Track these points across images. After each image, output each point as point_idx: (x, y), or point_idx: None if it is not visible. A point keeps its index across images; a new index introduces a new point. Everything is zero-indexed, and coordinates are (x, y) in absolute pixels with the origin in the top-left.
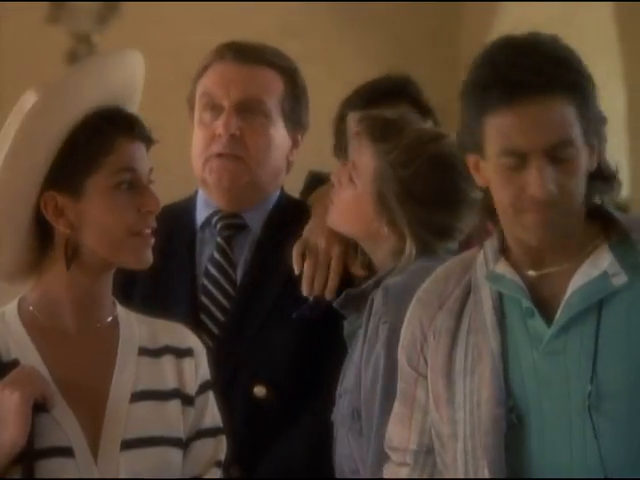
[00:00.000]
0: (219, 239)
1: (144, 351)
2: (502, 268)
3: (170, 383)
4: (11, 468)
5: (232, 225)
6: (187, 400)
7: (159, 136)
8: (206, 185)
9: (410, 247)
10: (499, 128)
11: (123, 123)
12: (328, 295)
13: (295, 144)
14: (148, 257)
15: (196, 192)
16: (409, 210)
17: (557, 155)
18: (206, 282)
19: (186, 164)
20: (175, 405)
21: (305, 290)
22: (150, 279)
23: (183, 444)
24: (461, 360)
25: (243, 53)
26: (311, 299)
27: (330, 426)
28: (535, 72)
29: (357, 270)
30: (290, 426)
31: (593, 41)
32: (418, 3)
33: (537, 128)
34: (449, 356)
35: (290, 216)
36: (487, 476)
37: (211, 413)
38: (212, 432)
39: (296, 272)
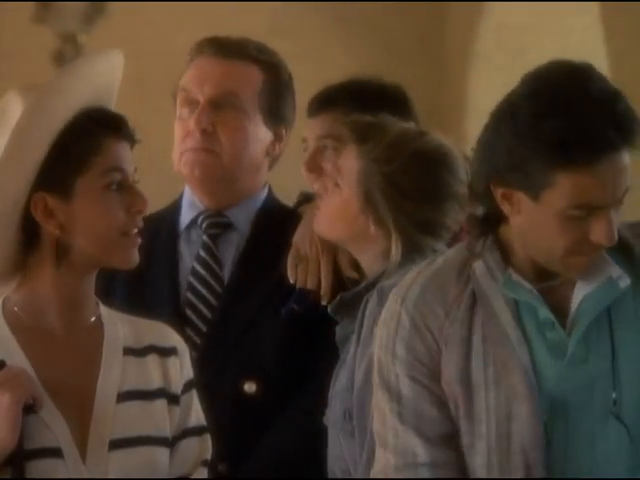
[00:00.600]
0: (205, 237)
1: (129, 351)
2: (516, 277)
3: (155, 382)
4: (1, 469)
5: (217, 224)
6: (173, 399)
7: (146, 135)
8: (185, 180)
9: (397, 244)
10: (576, 183)
11: (110, 123)
12: (324, 298)
13: (278, 138)
14: (136, 257)
15: (180, 196)
16: (395, 205)
17: (620, 201)
18: (192, 280)
19: (171, 164)
20: (161, 404)
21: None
22: (132, 280)
23: (169, 443)
24: (480, 372)
25: (222, 48)
26: (296, 293)
27: (319, 423)
28: (616, 129)
29: (348, 271)
30: (279, 422)
31: (579, 41)
32: (405, 3)
33: (616, 184)
34: (464, 367)
35: (278, 218)
36: None
37: (196, 412)
38: (197, 431)
39: (291, 282)
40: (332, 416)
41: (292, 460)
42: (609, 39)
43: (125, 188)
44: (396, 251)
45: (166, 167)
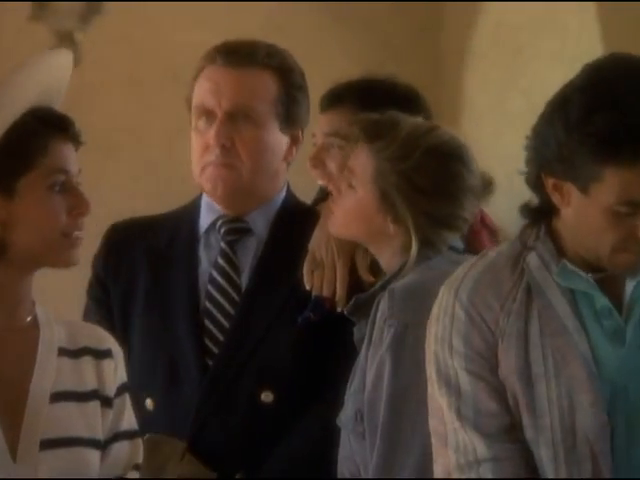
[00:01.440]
0: (223, 244)
1: (64, 352)
2: (571, 267)
3: (89, 384)
4: None
5: (236, 229)
6: (106, 402)
7: (142, 134)
8: (207, 193)
9: (416, 241)
10: (623, 180)
11: (57, 124)
12: (339, 304)
13: (294, 141)
14: (76, 258)
15: (199, 196)
16: (413, 203)
17: None
18: (211, 288)
19: (172, 162)
20: (94, 406)
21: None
22: (152, 284)
23: (101, 446)
24: (539, 364)
25: (234, 56)
26: (312, 301)
27: (335, 430)
28: None
29: (365, 274)
30: (294, 430)
31: (576, 41)
32: (401, 2)
33: None
34: (523, 360)
35: (297, 218)
36: None
37: (128, 416)
38: (130, 435)
39: (307, 288)
40: (344, 417)
41: (306, 468)
42: (606, 39)
43: (68, 190)
44: (415, 248)
45: (162, 165)
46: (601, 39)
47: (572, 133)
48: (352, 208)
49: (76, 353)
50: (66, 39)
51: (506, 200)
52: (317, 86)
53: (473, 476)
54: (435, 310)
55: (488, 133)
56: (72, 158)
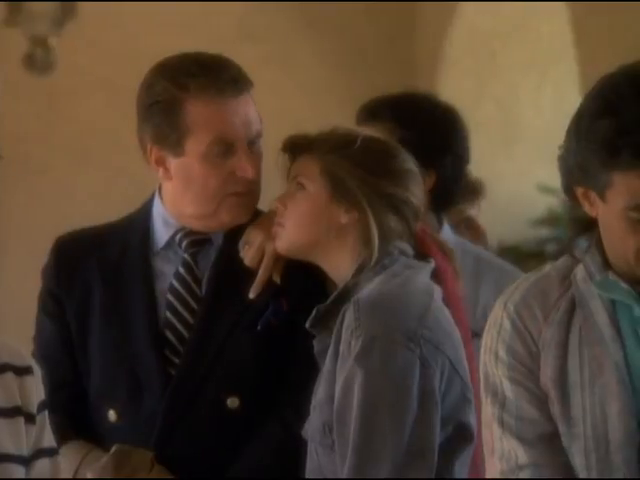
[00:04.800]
0: (185, 255)
1: None
2: (613, 277)
3: (13, 400)
4: None
5: (198, 241)
6: (29, 418)
7: (116, 139)
8: (213, 219)
9: (374, 225)
10: (630, 185)
11: None
12: (251, 294)
13: None
14: None
15: (149, 205)
16: (364, 183)
17: None
18: (171, 298)
19: (142, 168)
20: (20, 422)
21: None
22: (109, 300)
23: (26, 463)
24: (576, 373)
25: (232, 82)
26: (271, 306)
27: (298, 436)
28: None
29: (276, 278)
30: (258, 437)
31: (549, 46)
32: (374, 7)
33: None
34: (560, 369)
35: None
36: None
37: (48, 433)
38: (51, 452)
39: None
40: (310, 429)
41: (270, 475)
42: (579, 45)
43: None
44: (375, 233)
45: (136, 172)
46: (573, 43)
47: (582, 141)
48: (304, 209)
49: None
50: (40, 44)
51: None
52: (290, 91)
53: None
54: (488, 322)
55: None
56: None
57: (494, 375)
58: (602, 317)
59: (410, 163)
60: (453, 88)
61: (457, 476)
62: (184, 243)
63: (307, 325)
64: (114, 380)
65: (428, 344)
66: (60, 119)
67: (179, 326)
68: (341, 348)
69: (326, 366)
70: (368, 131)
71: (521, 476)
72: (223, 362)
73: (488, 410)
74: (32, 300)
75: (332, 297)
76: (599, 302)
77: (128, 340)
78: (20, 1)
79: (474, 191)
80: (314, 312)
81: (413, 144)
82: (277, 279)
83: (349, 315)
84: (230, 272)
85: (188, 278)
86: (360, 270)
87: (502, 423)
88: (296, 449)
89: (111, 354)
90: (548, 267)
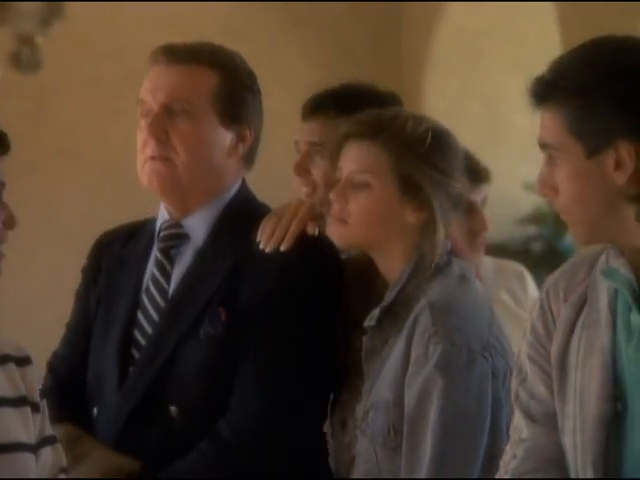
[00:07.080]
0: (157, 251)
1: None
2: (619, 263)
3: (18, 390)
4: None
5: (172, 235)
6: (34, 407)
7: (105, 137)
8: (148, 189)
9: (440, 223)
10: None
11: None
12: (283, 247)
13: (241, 139)
14: None
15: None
16: (435, 183)
17: None
18: (143, 297)
19: (130, 165)
20: (27, 412)
21: (262, 243)
22: (107, 291)
23: (35, 450)
24: (574, 353)
25: (174, 54)
26: (208, 315)
27: (234, 449)
28: None
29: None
30: (195, 447)
31: (536, 46)
32: (360, 6)
33: None
34: (564, 349)
35: (243, 215)
36: (590, 474)
37: (48, 420)
38: (53, 439)
39: (258, 239)
40: (370, 430)
41: None
42: (565, 44)
43: None
44: (441, 232)
45: (125, 169)
46: (560, 44)
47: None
48: (373, 208)
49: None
50: (27, 42)
51: None
52: (276, 90)
53: (513, 451)
54: None
55: None
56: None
57: (522, 352)
58: (602, 301)
59: (461, 157)
60: (439, 87)
61: None
62: (161, 235)
63: (368, 324)
64: (94, 376)
65: (497, 353)
66: (47, 117)
67: (146, 325)
68: (414, 352)
69: (392, 367)
70: (430, 119)
71: (519, 449)
72: (170, 371)
73: (513, 384)
74: (23, 297)
75: (392, 297)
76: (604, 286)
77: (109, 338)
78: (8, 0)
79: (477, 177)
80: (378, 311)
81: None
82: (314, 231)
83: (425, 319)
84: (199, 273)
85: (159, 276)
86: (417, 270)
87: (517, 397)
88: (231, 462)
89: (95, 348)
90: (591, 249)
